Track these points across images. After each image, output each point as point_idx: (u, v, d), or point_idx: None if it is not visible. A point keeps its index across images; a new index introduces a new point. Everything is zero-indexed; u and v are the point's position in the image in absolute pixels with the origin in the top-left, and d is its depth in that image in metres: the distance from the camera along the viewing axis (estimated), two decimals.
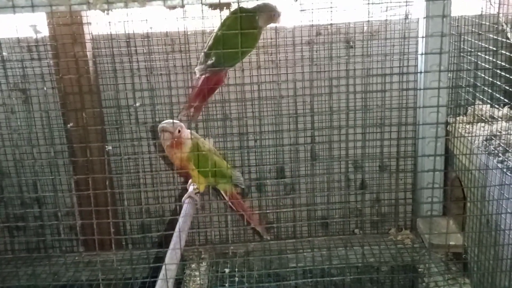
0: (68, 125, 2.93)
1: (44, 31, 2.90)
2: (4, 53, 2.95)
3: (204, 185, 2.38)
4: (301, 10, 2.69)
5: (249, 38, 2.24)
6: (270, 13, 2.28)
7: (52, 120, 3.07)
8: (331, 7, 2.69)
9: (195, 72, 2.33)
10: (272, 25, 2.45)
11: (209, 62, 2.27)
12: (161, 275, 1.87)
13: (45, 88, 2.99)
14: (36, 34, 2.88)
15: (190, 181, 2.41)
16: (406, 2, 2.85)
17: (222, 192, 2.49)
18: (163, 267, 1.88)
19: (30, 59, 2.97)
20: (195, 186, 2.38)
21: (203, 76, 2.32)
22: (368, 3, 2.79)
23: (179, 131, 2.21)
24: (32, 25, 2.83)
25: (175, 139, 2.20)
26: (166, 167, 3.14)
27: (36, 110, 3.04)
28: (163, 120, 2.27)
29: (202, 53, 2.33)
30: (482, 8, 2.74)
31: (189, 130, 2.32)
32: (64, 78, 2.84)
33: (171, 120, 2.23)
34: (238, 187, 2.54)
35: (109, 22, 2.81)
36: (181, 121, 2.29)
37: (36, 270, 2.96)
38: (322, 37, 2.97)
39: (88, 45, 2.89)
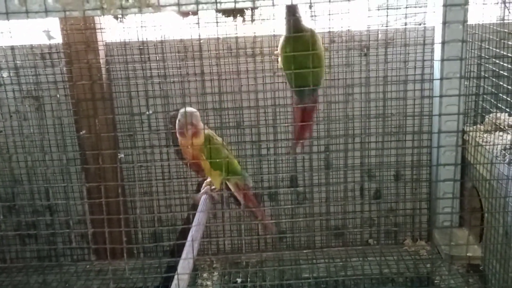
0: (81, 133, 2.92)
1: (57, 38, 2.90)
2: (18, 61, 2.95)
3: (220, 181, 2.35)
4: (311, 16, 2.65)
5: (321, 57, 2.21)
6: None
7: (64, 127, 3.06)
8: (339, 13, 2.67)
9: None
10: None
11: (295, 97, 2.30)
12: (173, 285, 1.84)
13: (57, 95, 2.99)
14: (49, 39, 2.88)
15: (205, 182, 2.39)
16: (421, 8, 2.82)
17: (232, 187, 2.45)
18: (175, 276, 1.85)
19: (43, 67, 2.96)
20: (212, 185, 2.36)
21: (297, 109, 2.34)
22: (379, 9, 2.77)
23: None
24: (45, 30, 2.84)
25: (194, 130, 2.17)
26: (178, 175, 3.12)
27: (49, 117, 3.04)
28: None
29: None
30: (499, 16, 2.70)
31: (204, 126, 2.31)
32: (77, 84, 2.84)
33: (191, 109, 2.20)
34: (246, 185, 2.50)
35: (123, 28, 2.81)
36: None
37: (47, 278, 2.95)
38: (336, 44, 2.94)
39: (101, 52, 2.89)
